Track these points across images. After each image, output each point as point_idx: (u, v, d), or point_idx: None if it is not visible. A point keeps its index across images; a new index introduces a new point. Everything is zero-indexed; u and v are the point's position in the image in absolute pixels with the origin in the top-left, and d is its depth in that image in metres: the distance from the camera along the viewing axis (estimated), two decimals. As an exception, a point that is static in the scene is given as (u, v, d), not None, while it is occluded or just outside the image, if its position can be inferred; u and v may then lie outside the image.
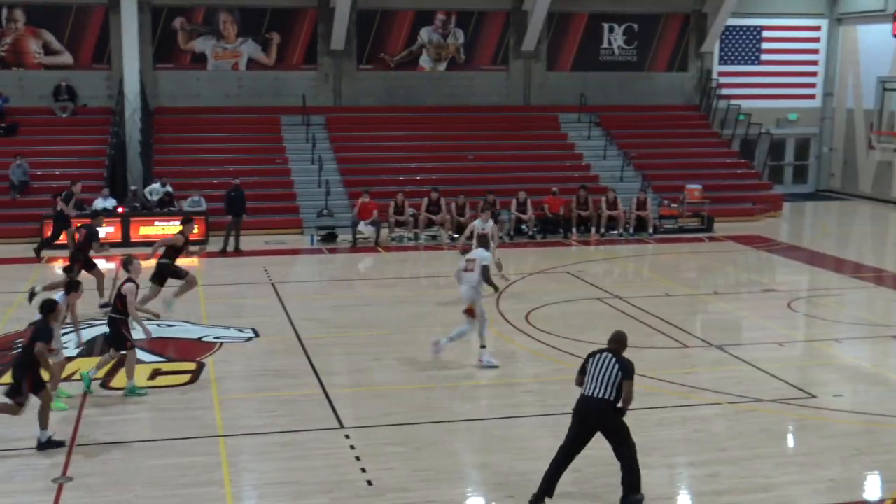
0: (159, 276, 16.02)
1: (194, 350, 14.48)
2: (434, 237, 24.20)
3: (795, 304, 17.98)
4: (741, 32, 32.99)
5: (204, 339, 15.02)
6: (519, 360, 14.54)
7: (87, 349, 14.29)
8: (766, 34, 33.22)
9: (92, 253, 16.87)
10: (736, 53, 33.09)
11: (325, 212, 24.76)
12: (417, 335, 15.64)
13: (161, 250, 16.06)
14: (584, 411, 9.37)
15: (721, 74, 32.65)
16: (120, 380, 12.70)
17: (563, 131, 30.28)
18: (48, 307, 11.17)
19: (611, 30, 31.45)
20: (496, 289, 14.30)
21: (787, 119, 33.65)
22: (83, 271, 16.49)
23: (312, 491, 9.72)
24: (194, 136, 27.88)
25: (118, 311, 12.58)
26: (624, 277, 21.06)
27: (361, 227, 23.57)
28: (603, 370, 9.32)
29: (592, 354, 9.58)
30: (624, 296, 18.17)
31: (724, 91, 32.05)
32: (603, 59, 31.51)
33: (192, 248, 19.04)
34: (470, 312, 13.83)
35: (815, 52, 33.79)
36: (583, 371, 9.56)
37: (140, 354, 13.28)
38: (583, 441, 9.44)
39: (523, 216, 24.78)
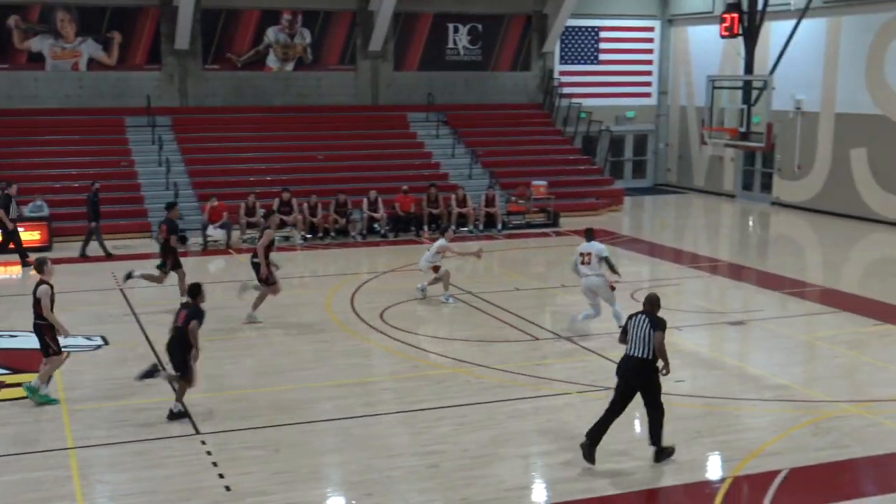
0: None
1: (40, 360, 13.99)
2: (287, 238, 24.06)
3: (638, 295, 18.68)
4: (580, 33, 34.05)
5: (50, 349, 14.55)
6: (375, 358, 14.68)
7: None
8: (603, 35, 34.41)
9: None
10: (576, 53, 34.13)
11: (173, 215, 24.26)
12: (272, 337, 15.61)
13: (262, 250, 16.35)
14: (623, 369, 10.36)
15: (562, 74, 33.63)
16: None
17: (411, 130, 30.59)
18: (196, 290, 12.05)
19: (456, 30, 31.95)
20: (618, 274, 15.96)
21: (625, 116, 34.93)
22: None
23: (169, 499, 9.60)
24: (33, 138, 26.91)
25: (41, 316, 12.18)
26: (475, 273, 21.43)
27: (211, 230, 23.24)
28: (639, 331, 10.28)
29: (632, 317, 10.48)
30: (475, 291, 18.54)
31: (566, 90, 33.00)
32: (449, 59, 32.00)
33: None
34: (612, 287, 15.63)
35: (650, 51, 35.21)
36: (625, 331, 10.48)
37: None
38: (626, 398, 10.37)
39: (375, 215, 24.94)
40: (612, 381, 13.06)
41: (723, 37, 29.01)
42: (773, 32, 29.02)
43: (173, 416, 11.77)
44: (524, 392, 12.81)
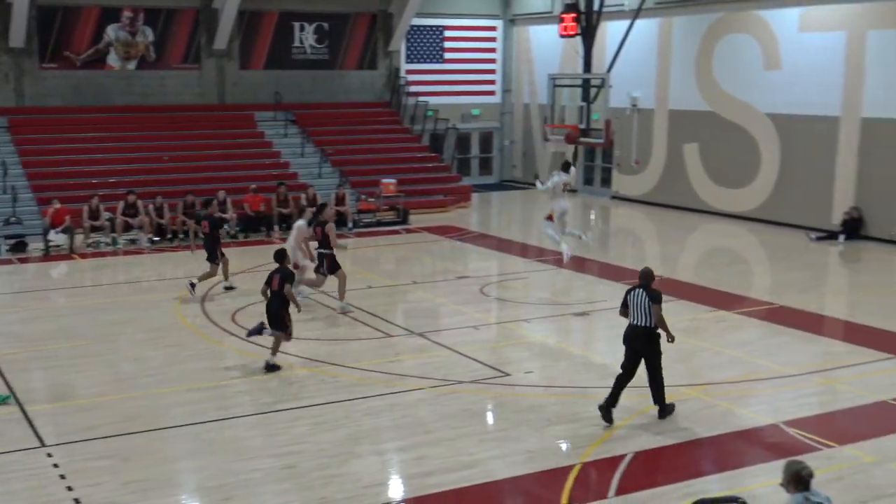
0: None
1: None
2: (133, 241, 23.53)
3: (487, 289, 19.14)
4: (425, 32, 34.44)
5: None
6: (227, 360, 14.57)
7: None
8: (447, 34, 34.89)
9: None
10: (421, 52, 34.50)
11: (12, 220, 23.39)
12: (121, 343, 15.28)
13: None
14: (629, 337, 11.57)
15: (409, 72, 33.94)
16: None
17: (259, 129, 30.32)
18: (283, 254, 14.17)
19: (301, 28, 31.82)
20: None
21: (470, 114, 35.52)
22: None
23: (17, 515, 9.37)
24: None
25: None
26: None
27: (53, 234, 22.48)
28: (639, 303, 11.45)
29: (629, 291, 11.67)
30: (328, 290, 18.58)
31: (413, 88, 33.33)
32: (295, 58, 31.85)
33: None
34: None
35: (493, 50, 35.92)
36: (625, 304, 11.63)
37: None
38: (634, 363, 11.58)
39: (224, 216, 24.61)
40: (464, 374, 13.54)
41: (562, 36, 29.85)
42: (609, 32, 30.05)
43: (269, 368, 13.61)
44: (379, 389, 12.97)
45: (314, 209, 18.47)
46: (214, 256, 18.29)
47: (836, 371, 13.86)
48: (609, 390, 11.60)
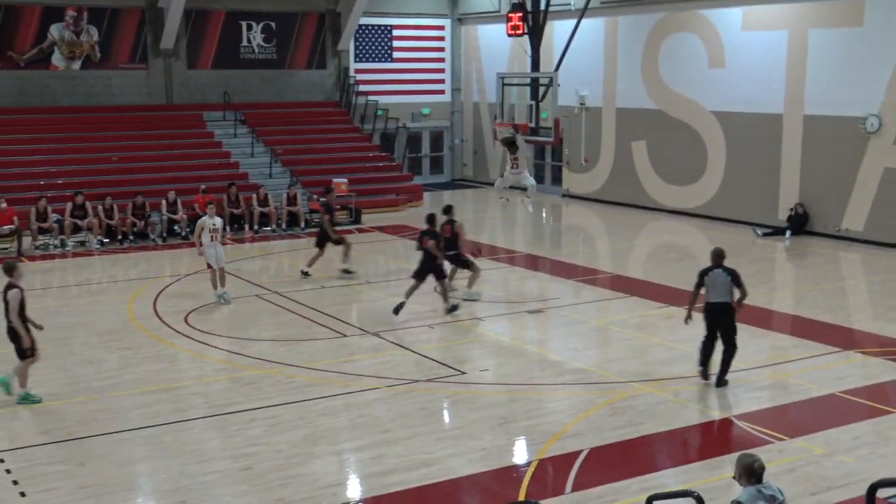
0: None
1: None
2: (83, 243, 23.26)
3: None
4: (374, 31, 34.43)
5: None
6: (181, 362, 14.48)
7: None
8: (396, 33, 34.90)
9: None
10: (370, 51, 34.48)
11: (-43, 222, 23.01)
12: (72, 346, 15.11)
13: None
14: (711, 312, 12.71)
15: (358, 72, 33.90)
16: None
17: (209, 129, 30.09)
18: (434, 217, 17.03)
19: (249, 28, 31.65)
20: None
21: (420, 113, 35.56)
22: None
23: (-31, 523, 9.25)
24: None
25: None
26: (280, 272, 21.42)
27: (-3, 237, 22.16)
28: (719, 281, 12.57)
29: (705, 272, 12.74)
30: (281, 291, 18.55)
31: (362, 87, 33.29)
32: (244, 57, 31.67)
33: None
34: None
35: (442, 49, 36.00)
36: (699, 286, 12.78)
37: None
38: (715, 333, 12.74)
39: (175, 217, 24.44)
40: (420, 373, 13.62)
41: (509, 35, 29.96)
42: (557, 31, 30.27)
43: (452, 308, 16.70)
44: (335, 389, 12.98)
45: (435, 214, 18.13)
46: (322, 242, 19.94)
47: (786, 365, 14.13)
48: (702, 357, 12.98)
